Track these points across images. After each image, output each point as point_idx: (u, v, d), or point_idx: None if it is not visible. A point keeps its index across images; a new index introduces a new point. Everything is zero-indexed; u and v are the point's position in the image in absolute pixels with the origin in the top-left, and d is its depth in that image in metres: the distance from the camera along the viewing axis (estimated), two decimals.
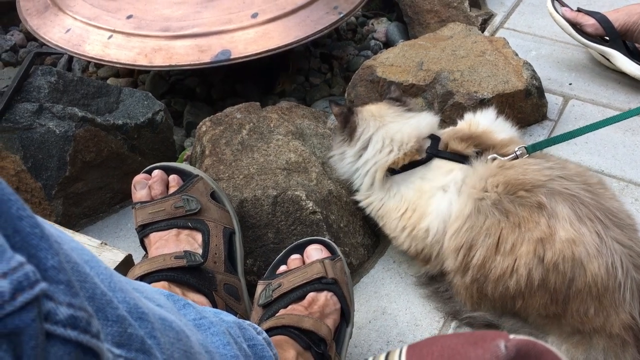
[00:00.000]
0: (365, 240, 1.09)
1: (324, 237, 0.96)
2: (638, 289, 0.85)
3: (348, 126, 1.02)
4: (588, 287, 0.83)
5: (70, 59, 1.63)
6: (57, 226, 0.92)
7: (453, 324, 0.97)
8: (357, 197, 1.05)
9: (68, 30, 1.37)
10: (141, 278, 0.79)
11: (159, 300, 0.50)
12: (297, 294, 0.83)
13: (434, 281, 1.00)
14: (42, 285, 0.32)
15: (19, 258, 0.32)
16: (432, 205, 0.94)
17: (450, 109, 1.25)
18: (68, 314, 0.34)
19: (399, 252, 1.09)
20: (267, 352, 0.63)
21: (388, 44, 1.74)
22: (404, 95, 1.13)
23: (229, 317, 0.63)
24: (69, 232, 0.94)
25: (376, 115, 1.02)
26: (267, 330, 0.75)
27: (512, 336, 0.33)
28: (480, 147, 0.95)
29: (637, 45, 1.39)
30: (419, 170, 0.97)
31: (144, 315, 0.43)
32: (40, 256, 0.34)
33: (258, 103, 1.22)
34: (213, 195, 0.95)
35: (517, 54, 1.34)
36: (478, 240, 0.87)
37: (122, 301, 0.42)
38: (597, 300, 0.83)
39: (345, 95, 1.41)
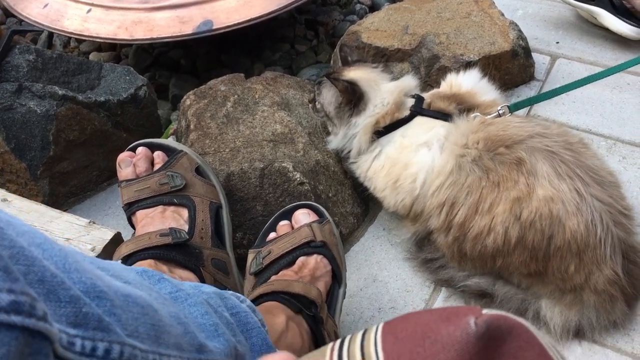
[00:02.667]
0: (355, 208, 1.09)
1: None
2: (619, 245, 0.85)
3: (355, 98, 1.00)
4: (567, 244, 0.83)
5: (51, 35, 1.61)
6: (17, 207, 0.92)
7: (443, 289, 0.98)
8: (349, 163, 1.05)
9: (46, 5, 1.34)
10: (127, 257, 0.79)
11: (127, 277, 0.50)
12: (287, 259, 0.83)
13: (422, 250, 1.00)
14: None
15: None
16: (416, 157, 0.95)
17: (436, 73, 1.24)
18: (9, 300, 0.34)
19: (388, 220, 1.10)
20: (252, 318, 0.64)
21: (374, 7, 1.71)
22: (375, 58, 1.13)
23: (209, 289, 0.63)
24: (56, 212, 0.94)
25: (370, 80, 1.02)
26: (258, 297, 0.76)
27: (484, 311, 0.33)
28: (463, 106, 0.95)
29: (623, 1, 1.37)
30: (400, 129, 0.97)
31: (102, 294, 0.43)
32: None
33: (242, 74, 1.21)
34: (198, 170, 0.94)
35: (503, 14, 1.32)
36: (460, 197, 0.88)
37: (78, 281, 0.42)
38: (578, 257, 0.84)
39: (331, 62, 1.40)
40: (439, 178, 0.90)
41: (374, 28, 1.34)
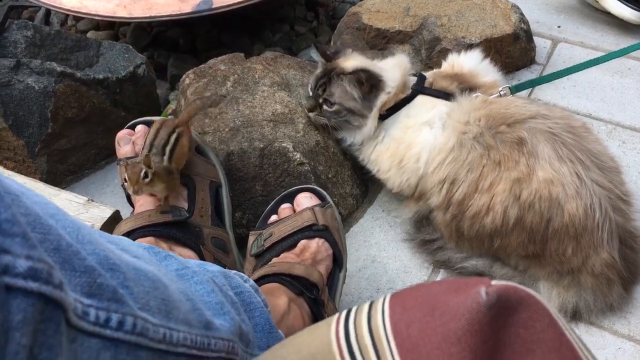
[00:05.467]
0: (354, 190, 1.09)
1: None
2: (616, 230, 0.86)
3: (375, 82, 0.98)
4: (565, 227, 0.84)
5: (48, 12, 1.59)
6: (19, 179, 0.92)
7: (442, 271, 0.98)
8: (353, 149, 1.05)
9: None
10: (127, 234, 0.79)
11: (136, 252, 0.50)
12: (288, 242, 0.83)
13: (420, 232, 1.00)
14: None
15: None
16: (419, 137, 0.94)
17: (437, 55, 1.23)
18: (27, 266, 0.34)
19: (387, 201, 1.09)
20: (255, 297, 0.64)
21: None
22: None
23: (214, 267, 0.63)
24: (54, 190, 0.93)
25: (369, 63, 1.02)
26: (260, 278, 0.76)
27: (494, 282, 0.33)
28: (465, 86, 0.95)
29: None
30: (404, 109, 0.97)
31: (115, 266, 0.43)
32: None
33: (242, 54, 1.20)
34: (198, 149, 0.94)
35: None
36: (461, 174, 0.88)
37: (91, 253, 0.41)
38: (575, 241, 0.84)
39: (331, 43, 1.39)
40: (440, 155, 0.90)
41: (375, 9, 1.33)
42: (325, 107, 1.00)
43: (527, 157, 0.84)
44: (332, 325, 0.36)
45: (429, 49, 1.24)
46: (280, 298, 0.73)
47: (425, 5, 1.30)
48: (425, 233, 0.99)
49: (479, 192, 0.86)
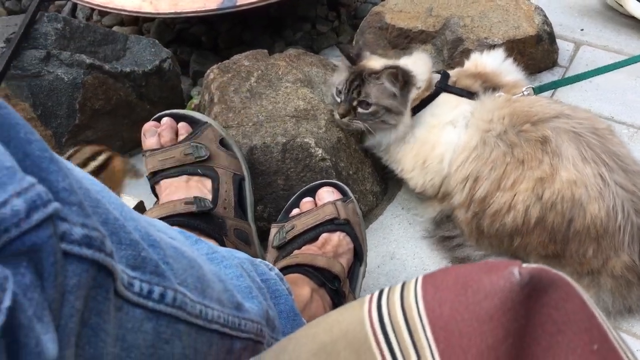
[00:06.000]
0: (374, 187, 1.10)
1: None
2: (637, 233, 0.86)
3: (407, 81, 0.98)
4: (587, 228, 0.84)
5: (74, 7, 1.61)
6: None
7: None
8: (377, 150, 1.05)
9: None
10: None
11: (171, 234, 0.51)
12: (310, 235, 0.84)
13: (439, 228, 1.01)
14: (55, 204, 0.33)
15: (30, 179, 0.33)
16: (443, 137, 0.95)
17: (460, 56, 1.24)
18: (82, 234, 0.35)
19: (407, 199, 1.10)
20: (280, 285, 0.65)
21: None
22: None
23: (241, 254, 0.64)
24: None
25: (397, 61, 1.03)
26: (282, 269, 0.77)
27: (525, 265, 0.34)
28: (488, 85, 0.95)
29: None
30: (428, 108, 0.98)
31: (155, 243, 0.45)
32: (51, 179, 0.35)
33: (266, 50, 1.21)
34: (222, 142, 0.95)
35: None
36: (484, 172, 0.89)
37: (135, 229, 0.43)
38: (596, 242, 0.84)
39: (353, 42, 1.40)
40: (463, 153, 0.91)
41: (397, 9, 1.33)
42: (360, 109, 0.99)
43: (550, 157, 0.85)
44: (364, 305, 0.37)
45: (451, 49, 1.25)
46: (303, 288, 0.74)
47: (448, 5, 1.30)
48: (444, 229, 0.99)
49: (501, 190, 0.87)
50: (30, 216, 0.32)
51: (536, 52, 1.27)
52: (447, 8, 1.30)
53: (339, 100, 1.02)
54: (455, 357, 0.32)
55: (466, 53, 1.22)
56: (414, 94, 0.98)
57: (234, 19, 1.57)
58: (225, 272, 0.56)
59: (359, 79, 0.99)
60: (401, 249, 1.03)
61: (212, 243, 0.62)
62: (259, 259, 0.68)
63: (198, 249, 0.56)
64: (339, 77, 1.04)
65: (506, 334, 0.32)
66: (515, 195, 0.86)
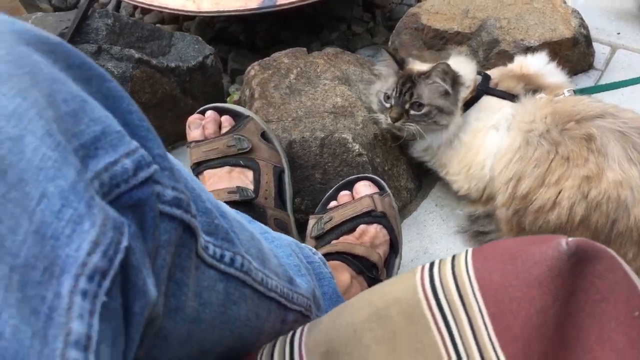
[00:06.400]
0: (409, 184, 1.12)
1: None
2: None
3: (455, 81, 1.00)
4: (630, 231, 0.84)
5: (118, 4, 1.67)
6: None
7: None
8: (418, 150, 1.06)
9: None
10: None
11: (231, 211, 0.55)
12: (348, 226, 0.87)
13: (475, 224, 1.02)
14: (155, 166, 0.37)
15: (135, 143, 0.37)
16: (486, 141, 0.96)
17: (495, 57, 1.25)
18: (173, 196, 0.39)
19: (441, 197, 1.12)
20: (324, 269, 0.68)
21: None
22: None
23: (288, 238, 0.67)
24: None
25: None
26: (323, 256, 0.80)
27: (570, 238, 0.36)
28: (530, 87, 0.96)
29: None
30: (472, 111, 0.99)
31: (224, 214, 0.48)
32: (148, 145, 0.38)
33: (304, 49, 1.24)
34: (263, 135, 0.99)
35: (565, 2, 1.33)
36: (527, 170, 0.89)
37: (207, 199, 0.46)
38: (637, 246, 0.84)
39: (389, 43, 1.42)
40: (506, 155, 0.91)
41: (434, 11, 1.35)
42: (413, 111, 1.00)
43: (596, 155, 0.84)
44: (416, 274, 0.40)
45: (487, 50, 1.26)
46: (343, 274, 0.77)
47: (485, 7, 1.32)
48: (479, 225, 1.01)
49: (545, 186, 0.87)
50: (136, 174, 0.36)
51: (572, 54, 1.28)
52: (484, 10, 1.31)
53: (388, 105, 1.02)
54: (505, 320, 0.34)
55: (502, 54, 1.24)
56: (464, 93, 0.99)
57: (272, 19, 1.61)
58: (277, 250, 0.59)
59: (409, 81, 1.00)
60: (434, 244, 1.04)
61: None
62: (303, 244, 0.71)
63: (254, 227, 0.59)
64: (385, 84, 1.04)
65: (554, 300, 0.34)
66: (560, 191, 0.86)
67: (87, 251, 0.30)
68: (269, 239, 0.60)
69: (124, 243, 0.33)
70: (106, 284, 0.31)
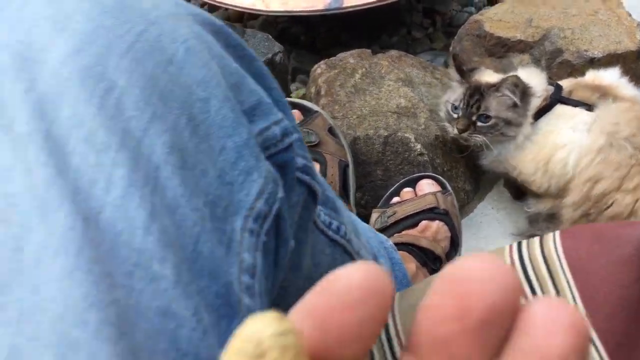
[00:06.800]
0: (466, 185, 1.15)
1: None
2: None
3: (525, 92, 1.01)
4: None
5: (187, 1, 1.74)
6: None
7: None
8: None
9: None
10: None
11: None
12: (410, 221, 0.90)
13: (532, 227, 1.04)
14: (296, 135, 0.43)
15: (281, 114, 0.42)
16: (564, 139, 0.96)
17: (558, 67, 1.27)
18: (302, 163, 0.44)
19: (497, 200, 1.14)
20: (395, 255, 0.72)
21: (492, 0, 1.74)
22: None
23: (364, 223, 0.71)
24: None
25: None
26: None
27: None
28: (606, 97, 0.97)
29: None
30: (545, 119, 1.00)
31: (329, 189, 0.53)
32: (288, 118, 0.44)
33: (369, 50, 1.28)
34: (331, 130, 1.03)
35: (630, 15, 1.33)
36: (606, 172, 0.89)
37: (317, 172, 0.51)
38: None
39: (450, 49, 1.45)
40: (588, 155, 0.92)
41: (497, 19, 1.38)
42: (480, 123, 1.00)
43: None
44: (505, 250, 0.43)
45: (550, 60, 1.28)
46: (409, 264, 0.80)
47: (549, 18, 1.33)
48: (536, 228, 1.03)
49: (622, 191, 0.87)
50: (283, 140, 0.42)
51: (637, 67, 1.28)
52: (548, 20, 1.33)
53: (455, 115, 1.03)
54: (593, 293, 0.37)
55: (565, 64, 1.25)
56: (535, 103, 1.00)
57: (333, 21, 1.66)
58: (363, 229, 0.63)
59: (477, 93, 1.01)
60: (490, 246, 1.07)
61: None
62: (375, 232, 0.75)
63: None
64: (453, 94, 1.06)
65: (639, 277, 0.37)
66: (637, 200, 0.86)
67: (254, 197, 0.36)
68: (355, 218, 0.65)
69: (280, 194, 0.38)
70: (266, 225, 0.37)
